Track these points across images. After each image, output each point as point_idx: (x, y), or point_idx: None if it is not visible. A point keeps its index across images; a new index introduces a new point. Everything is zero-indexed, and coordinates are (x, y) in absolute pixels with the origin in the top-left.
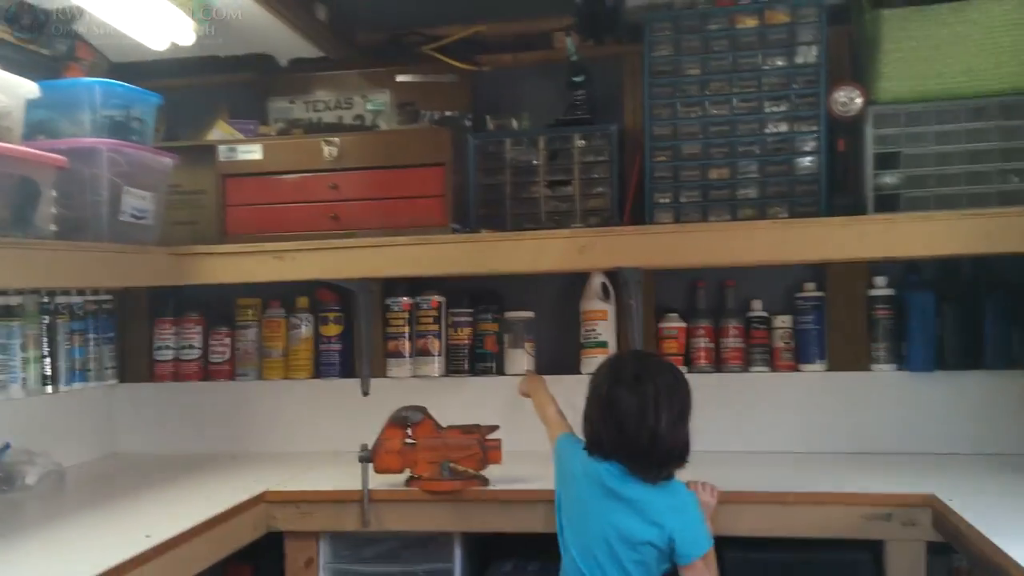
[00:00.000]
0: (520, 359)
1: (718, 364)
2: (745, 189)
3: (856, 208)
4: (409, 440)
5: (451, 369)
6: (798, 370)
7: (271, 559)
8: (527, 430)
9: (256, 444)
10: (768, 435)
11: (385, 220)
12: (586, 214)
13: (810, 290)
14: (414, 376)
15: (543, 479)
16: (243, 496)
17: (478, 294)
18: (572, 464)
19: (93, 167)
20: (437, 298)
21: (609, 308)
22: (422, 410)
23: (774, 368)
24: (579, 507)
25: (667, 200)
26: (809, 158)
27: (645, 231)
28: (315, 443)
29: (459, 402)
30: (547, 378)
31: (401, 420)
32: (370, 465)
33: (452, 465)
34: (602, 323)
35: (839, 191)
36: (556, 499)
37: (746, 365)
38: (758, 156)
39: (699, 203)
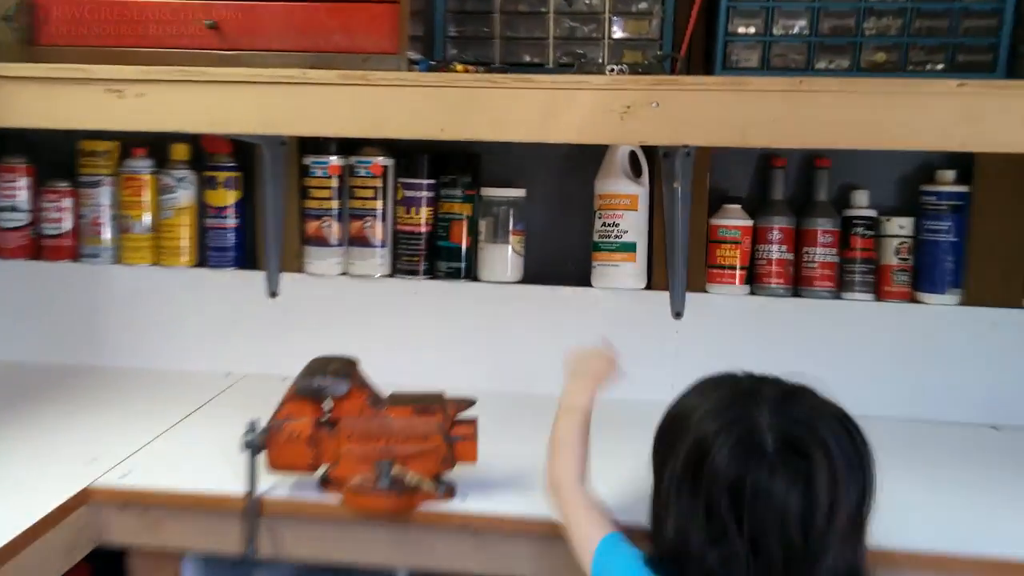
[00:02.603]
0: (502, 258)
1: (796, 285)
2: (876, 21)
3: None
4: (328, 419)
5: (400, 268)
6: (916, 301)
7: (116, 560)
8: (522, 382)
9: (106, 357)
10: (870, 396)
11: (298, 40)
12: (619, 48)
13: (946, 182)
14: (345, 274)
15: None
16: (57, 498)
17: (442, 157)
18: None
19: None
20: (382, 161)
21: (640, 192)
22: (349, 370)
23: (880, 296)
24: None
25: (750, 31)
26: None
27: (740, 85)
28: (195, 362)
29: (409, 321)
30: (541, 289)
31: (313, 392)
32: (261, 455)
33: (397, 470)
34: (629, 214)
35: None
36: None
37: (839, 289)
38: None
39: (800, 38)
